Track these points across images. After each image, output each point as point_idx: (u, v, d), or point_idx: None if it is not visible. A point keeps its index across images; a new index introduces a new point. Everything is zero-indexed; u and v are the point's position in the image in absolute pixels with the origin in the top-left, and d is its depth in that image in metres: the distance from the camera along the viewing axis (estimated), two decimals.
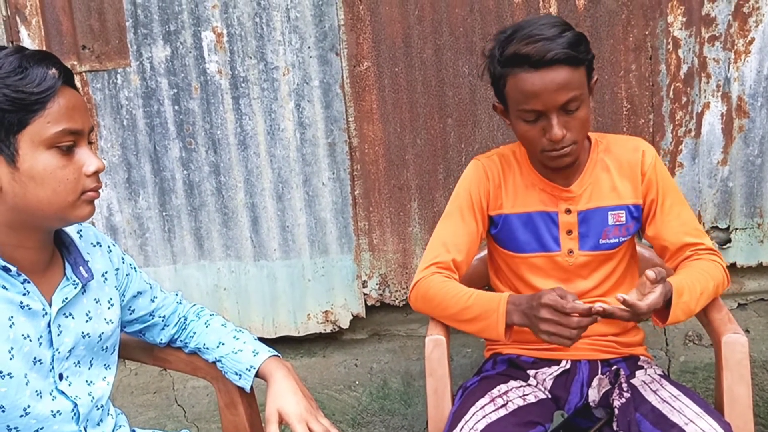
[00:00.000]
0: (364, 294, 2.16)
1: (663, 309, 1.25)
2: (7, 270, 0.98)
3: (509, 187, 1.45)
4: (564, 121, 1.26)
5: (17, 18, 2.00)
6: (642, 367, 1.43)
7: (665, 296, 1.20)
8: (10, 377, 0.97)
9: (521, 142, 1.36)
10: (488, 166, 1.47)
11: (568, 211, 1.40)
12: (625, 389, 1.34)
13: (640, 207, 1.40)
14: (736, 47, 1.95)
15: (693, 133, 2.00)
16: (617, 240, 1.39)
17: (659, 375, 1.40)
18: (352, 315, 2.17)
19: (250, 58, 2.01)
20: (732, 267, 2.10)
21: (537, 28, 1.24)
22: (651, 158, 1.40)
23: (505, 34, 1.29)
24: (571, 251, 1.40)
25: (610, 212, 1.40)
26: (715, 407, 1.33)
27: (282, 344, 2.17)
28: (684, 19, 1.94)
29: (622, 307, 1.17)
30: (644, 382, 1.37)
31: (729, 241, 2.07)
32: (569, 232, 1.40)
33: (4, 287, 0.98)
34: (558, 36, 1.22)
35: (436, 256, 1.43)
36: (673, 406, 1.26)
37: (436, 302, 1.38)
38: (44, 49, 2.00)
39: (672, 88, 1.98)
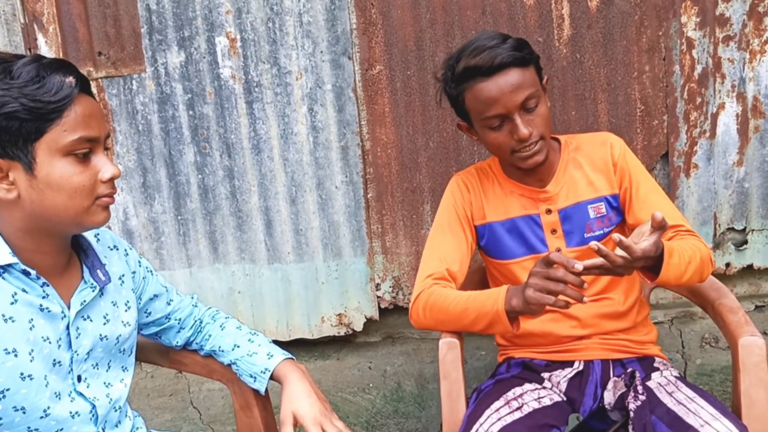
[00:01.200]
0: (378, 297, 2.16)
1: (652, 267, 1.23)
2: (26, 273, 0.99)
3: (489, 196, 1.50)
4: (526, 119, 1.32)
5: (35, 25, 2.03)
6: (657, 369, 1.42)
7: (657, 249, 1.17)
8: (31, 379, 0.98)
9: (492, 151, 1.42)
10: (467, 179, 1.53)
11: (549, 211, 1.44)
12: (640, 391, 1.33)
13: (617, 196, 1.43)
14: (751, 47, 1.93)
15: (708, 134, 1.99)
16: (602, 231, 1.42)
17: (675, 377, 1.39)
18: (366, 318, 2.17)
19: (264, 62, 2.02)
20: (749, 268, 2.08)
21: (479, 41, 1.33)
22: (619, 149, 1.45)
23: (451, 58, 1.37)
24: (559, 250, 1.42)
25: (589, 206, 1.43)
26: (732, 410, 1.32)
27: (296, 347, 2.18)
28: (698, 20, 1.92)
29: (620, 252, 1.13)
30: (660, 384, 1.36)
31: (745, 242, 2.05)
32: (554, 231, 1.44)
33: (24, 290, 0.99)
34: (501, 44, 1.31)
35: (431, 268, 1.45)
36: (689, 409, 1.25)
37: (437, 309, 1.38)
38: (61, 55, 2.03)
39: (686, 88, 1.96)
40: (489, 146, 1.39)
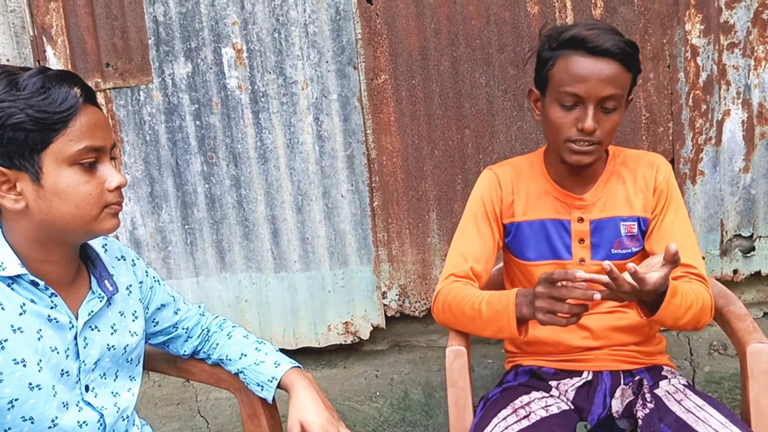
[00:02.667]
0: (384, 305, 2.16)
1: (650, 303, 1.21)
2: (35, 284, 1.00)
3: (521, 194, 1.45)
4: (597, 117, 1.27)
5: (43, 38, 2.05)
6: (666, 377, 1.42)
7: (665, 285, 1.15)
8: (39, 389, 0.99)
9: (548, 132, 1.36)
10: (500, 174, 1.48)
11: (581, 220, 1.40)
12: (648, 400, 1.32)
13: (647, 221, 1.40)
14: (756, 54, 1.93)
15: (713, 141, 1.99)
16: (629, 251, 1.39)
17: (683, 385, 1.38)
18: (372, 326, 2.17)
19: (270, 73, 2.03)
20: (757, 275, 2.07)
21: (599, 24, 1.29)
22: (664, 174, 1.41)
23: (563, 26, 1.33)
24: (582, 260, 1.40)
25: (622, 222, 1.40)
26: (741, 418, 1.31)
27: (303, 355, 2.18)
28: (702, 27, 1.93)
29: (629, 280, 1.10)
30: (668, 392, 1.35)
31: (753, 249, 2.05)
32: (581, 240, 1.40)
33: (32, 301, 1.00)
34: (617, 35, 1.27)
35: (454, 266, 1.44)
36: (697, 417, 1.24)
37: (455, 307, 1.37)
38: (69, 67, 2.05)
39: (691, 96, 1.96)
40: (549, 124, 1.34)
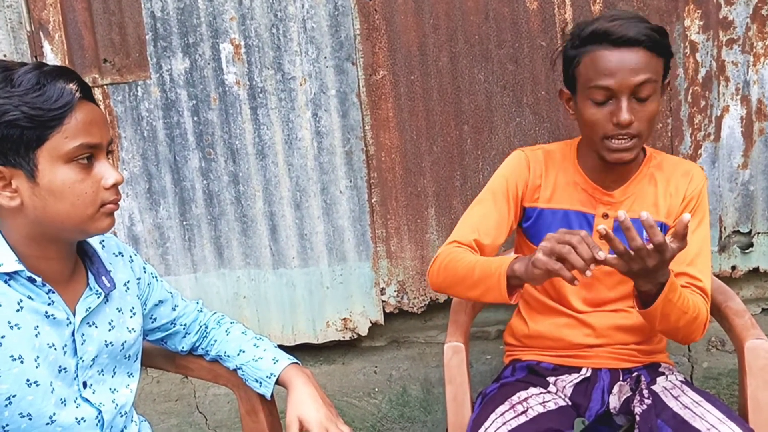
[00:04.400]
0: (383, 301, 2.16)
1: (647, 298, 1.20)
2: (32, 280, 1.00)
3: (549, 181, 1.43)
4: (633, 108, 1.24)
5: (41, 33, 2.05)
6: (663, 374, 1.42)
7: (666, 270, 1.11)
8: (37, 385, 0.99)
9: (584, 130, 1.34)
10: (532, 157, 1.45)
11: (606, 216, 1.38)
12: (646, 396, 1.33)
13: (668, 228, 1.38)
14: (755, 50, 1.93)
15: (712, 137, 1.98)
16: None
17: (681, 381, 1.39)
18: (371, 322, 2.17)
19: (268, 68, 2.03)
20: (755, 271, 2.07)
21: (620, 12, 1.26)
22: (697, 185, 1.38)
23: (584, 21, 1.30)
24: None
25: None
26: (739, 414, 1.32)
27: (301, 351, 2.18)
28: (701, 23, 1.92)
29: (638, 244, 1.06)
30: (665, 388, 1.35)
31: (751, 245, 2.05)
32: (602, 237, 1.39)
33: (29, 297, 1.00)
34: (641, 21, 1.24)
35: (460, 235, 1.41)
36: (695, 412, 1.24)
37: (450, 269, 1.34)
38: (66, 62, 2.04)
39: (690, 92, 1.96)
40: (583, 123, 1.31)
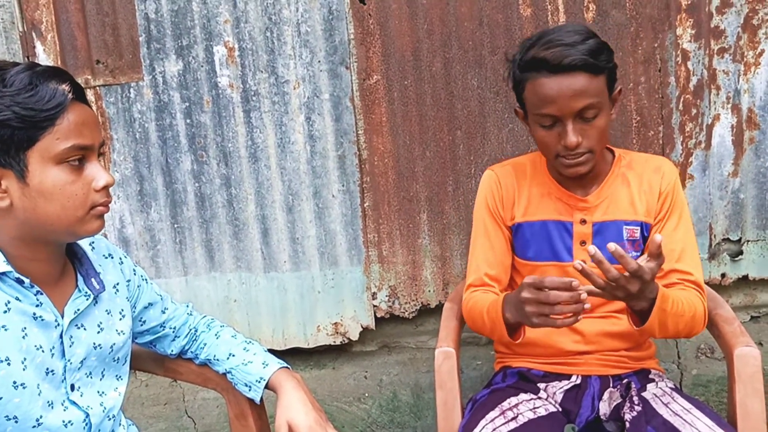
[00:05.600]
0: (374, 306, 2.16)
1: (640, 312, 1.21)
2: (20, 282, 0.99)
3: (523, 195, 1.45)
4: (580, 128, 1.26)
5: (33, 33, 2.04)
6: (653, 380, 1.42)
7: (650, 276, 1.12)
8: (24, 387, 0.98)
9: (539, 147, 1.36)
10: (501, 175, 1.49)
11: (583, 222, 1.40)
12: (636, 402, 1.33)
13: (650, 226, 1.39)
14: (746, 59, 1.94)
15: (703, 145, 2.00)
16: (631, 255, 1.38)
17: (670, 388, 1.39)
18: (362, 327, 2.17)
19: (261, 72, 2.03)
20: (744, 279, 2.08)
21: (560, 34, 1.25)
22: (669, 180, 1.39)
23: (530, 40, 1.30)
24: (585, 262, 1.40)
25: (625, 226, 1.39)
26: (728, 421, 1.32)
27: (292, 356, 2.17)
28: (693, 32, 1.94)
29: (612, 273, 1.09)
30: (655, 395, 1.35)
31: (741, 253, 2.06)
32: (583, 242, 1.39)
33: (17, 299, 0.99)
34: (579, 43, 1.23)
35: (471, 278, 1.48)
36: (684, 420, 1.24)
37: (475, 318, 1.42)
38: (59, 63, 2.03)
39: (682, 100, 1.97)
40: (537, 143, 1.34)
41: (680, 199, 1.39)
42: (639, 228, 1.39)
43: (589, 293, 1.12)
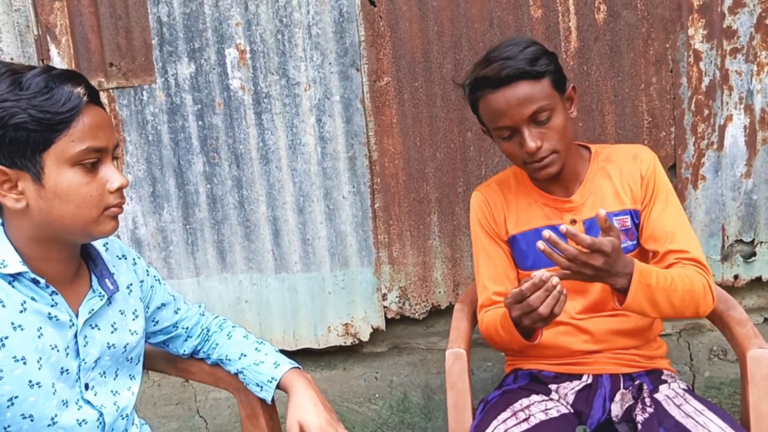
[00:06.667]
0: (384, 307, 2.16)
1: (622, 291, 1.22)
2: (36, 282, 1.00)
3: (511, 208, 1.49)
4: (537, 132, 1.31)
5: (48, 37, 2.06)
6: (665, 382, 1.41)
7: (610, 246, 1.15)
8: (39, 387, 0.99)
9: (508, 157, 1.41)
10: (487, 194, 1.53)
11: (574, 222, 1.42)
12: (648, 404, 1.32)
13: (639, 213, 1.41)
14: (758, 59, 1.93)
15: (715, 146, 1.98)
16: (625, 246, 1.39)
17: (683, 389, 1.38)
18: (372, 328, 2.17)
19: (273, 74, 2.04)
20: (757, 281, 2.07)
21: (499, 50, 1.32)
22: (648, 164, 1.42)
23: (477, 63, 1.37)
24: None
25: (615, 218, 1.41)
26: (741, 424, 1.31)
27: (302, 356, 2.18)
28: (705, 32, 1.93)
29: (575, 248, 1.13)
30: (668, 396, 1.35)
31: (754, 254, 2.04)
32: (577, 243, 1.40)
33: (33, 298, 1.00)
34: (517, 54, 1.29)
35: (482, 299, 1.50)
36: (697, 421, 1.24)
37: (494, 337, 1.43)
38: (73, 66, 2.06)
39: (694, 100, 1.96)
40: (505, 154, 1.39)
41: (663, 181, 1.42)
42: (629, 216, 1.41)
43: (562, 277, 1.17)
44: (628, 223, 1.41)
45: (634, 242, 1.41)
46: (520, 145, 1.32)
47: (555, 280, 1.15)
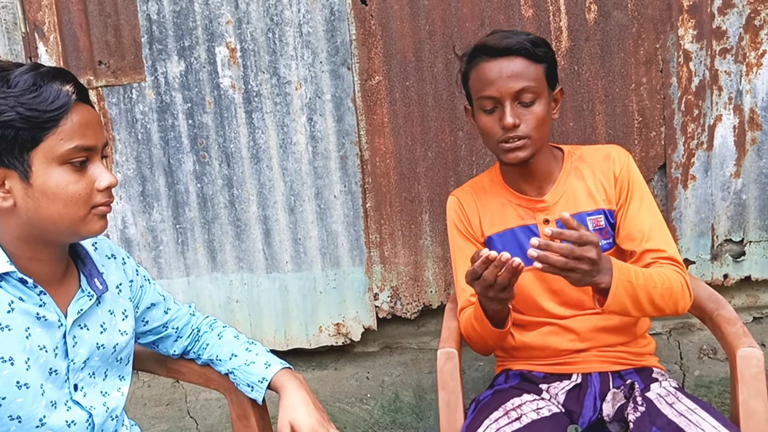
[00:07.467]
0: (376, 306, 2.16)
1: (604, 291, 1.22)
2: (23, 282, 0.99)
3: (486, 210, 1.50)
4: (518, 112, 1.33)
5: (36, 34, 2.04)
6: (656, 380, 1.42)
7: (605, 257, 1.17)
8: (27, 387, 0.98)
9: (483, 139, 1.42)
10: (461, 197, 1.54)
11: (547, 221, 1.43)
12: (639, 403, 1.33)
13: (614, 212, 1.42)
14: (747, 60, 1.94)
15: (705, 146, 2.00)
16: (601, 245, 1.38)
17: (674, 388, 1.39)
18: (364, 327, 2.17)
19: (263, 72, 2.03)
20: (747, 280, 2.08)
21: (503, 31, 1.37)
22: (621, 163, 1.43)
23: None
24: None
25: (588, 218, 1.42)
26: (731, 422, 1.32)
27: (294, 356, 2.17)
28: (695, 32, 1.94)
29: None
30: (659, 395, 1.35)
31: (743, 254, 2.06)
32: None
33: (21, 299, 0.99)
34: (519, 34, 1.34)
35: (461, 301, 1.51)
36: (690, 420, 1.24)
37: (472, 337, 1.44)
38: (62, 64, 2.04)
39: (683, 100, 1.97)
40: (480, 131, 1.40)
41: (637, 180, 1.43)
42: (602, 216, 1.42)
43: (544, 270, 1.16)
44: (602, 222, 1.42)
45: (610, 241, 1.42)
46: (499, 120, 1.33)
47: (506, 255, 1.15)
